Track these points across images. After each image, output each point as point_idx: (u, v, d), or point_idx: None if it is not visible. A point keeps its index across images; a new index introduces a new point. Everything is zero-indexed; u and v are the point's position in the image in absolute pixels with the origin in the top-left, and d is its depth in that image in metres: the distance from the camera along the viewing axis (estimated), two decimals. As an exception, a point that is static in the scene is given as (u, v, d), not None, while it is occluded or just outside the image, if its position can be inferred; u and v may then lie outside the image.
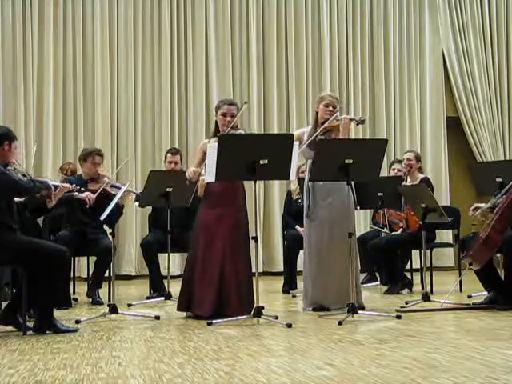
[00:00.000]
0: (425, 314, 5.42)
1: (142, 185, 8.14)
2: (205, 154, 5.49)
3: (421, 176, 7.21)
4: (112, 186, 6.20)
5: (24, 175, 4.97)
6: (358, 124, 5.83)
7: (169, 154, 7.28)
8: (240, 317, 5.10)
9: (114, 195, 5.82)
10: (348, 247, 5.27)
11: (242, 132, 5.59)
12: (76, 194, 6.02)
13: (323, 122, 5.73)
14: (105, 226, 6.64)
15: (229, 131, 5.39)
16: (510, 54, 11.18)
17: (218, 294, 5.33)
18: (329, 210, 5.71)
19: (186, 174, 5.52)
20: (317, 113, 5.85)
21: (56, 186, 5.04)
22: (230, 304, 5.31)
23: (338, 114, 5.76)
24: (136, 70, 10.00)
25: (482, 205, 5.77)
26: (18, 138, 4.95)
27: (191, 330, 4.81)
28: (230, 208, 5.47)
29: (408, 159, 7.20)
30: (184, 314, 5.51)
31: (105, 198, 6.10)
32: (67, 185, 5.22)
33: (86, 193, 6.15)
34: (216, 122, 5.63)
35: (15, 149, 4.84)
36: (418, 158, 7.28)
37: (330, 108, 5.75)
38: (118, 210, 5.90)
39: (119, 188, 6.04)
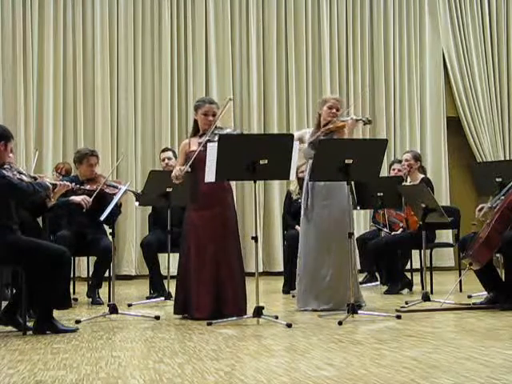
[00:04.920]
0: (425, 314, 5.42)
1: (141, 185, 8.14)
2: (186, 154, 5.47)
3: (421, 176, 7.20)
4: (109, 186, 6.21)
5: (20, 172, 4.95)
6: (365, 124, 5.82)
7: (161, 153, 7.43)
8: (240, 317, 5.10)
9: (112, 195, 5.81)
10: (347, 247, 5.28)
11: (230, 130, 5.53)
12: (72, 198, 6.10)
13: (326, 124, 5.74)
14: (105, 226, 6.64)
15: (213, 130, 5.34)
16: (510, 54, 11.17)
17: (216, 296, 5.31)
18: (328, 210, 5.71)
19: (172, 175, 5.41)
20: (319, 115, 5.86)
21: (55, 185, 5.04)
22: (227, 305, 5.29)
23: (345, 114, 5.76)
24: (136, 69, 10.00)
25: (488, 204, 5.75)
26: (14, 138, 4.91)
27: (191, 330, 4.80)
28: (219, 208, 5.41)
29: (406, 160, 7.20)
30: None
31: (103, 198, 6.10)
32: (66, 183, 5.22)
33: (82, 197, 6.13)
34: (195, 121, 5.57)
35: (11, 149, 4.82)
36: (416, 158, 7.24)
37: (334, 110, 5.75)
38: (117, 209, 5.89)
39: (116, 187, 6.05)
